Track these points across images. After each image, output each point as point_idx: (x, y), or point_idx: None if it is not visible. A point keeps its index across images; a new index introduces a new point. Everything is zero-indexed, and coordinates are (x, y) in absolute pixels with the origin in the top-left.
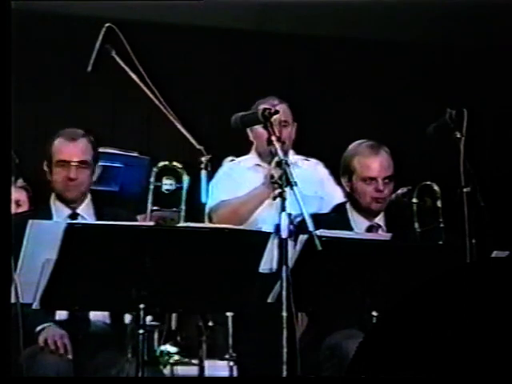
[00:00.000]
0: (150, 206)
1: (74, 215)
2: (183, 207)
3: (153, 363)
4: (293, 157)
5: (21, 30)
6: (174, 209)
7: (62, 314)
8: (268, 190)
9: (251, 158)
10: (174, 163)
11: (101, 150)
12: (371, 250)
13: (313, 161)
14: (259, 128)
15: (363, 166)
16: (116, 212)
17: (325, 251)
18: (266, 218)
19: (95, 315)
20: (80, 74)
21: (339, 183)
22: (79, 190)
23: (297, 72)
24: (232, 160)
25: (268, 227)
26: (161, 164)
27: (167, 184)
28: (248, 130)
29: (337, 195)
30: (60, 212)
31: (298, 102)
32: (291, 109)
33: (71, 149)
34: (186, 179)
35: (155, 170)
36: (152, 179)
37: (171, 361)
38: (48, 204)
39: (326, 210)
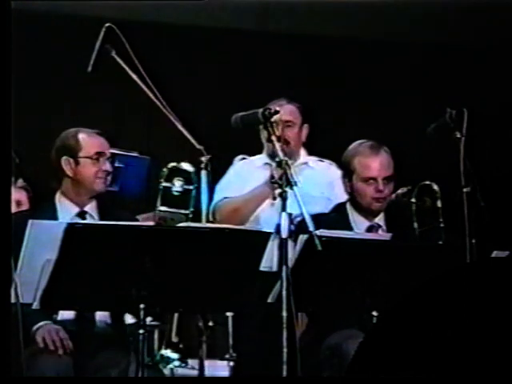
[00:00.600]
0: (158, 207)
1: (82, 213)
2: (191, 209)
3: (153, 367)
4: (304, 157)
5: (21, 30)
6: (182, 211)
7: (69, 314)
8: (269, 189)
9: (262, 158)
10: (184, 164)
11: None
12: (371, 250)
13: (326, 162)
14: None
15: (363, 166)
16: (119, 213)
17: (325, 251)
18: (268, 217)
19: (97, 315)
20: (80, 74)
21: None
22: (107, 184)
23: (297, 72)
24: (243, 158)
25: (270, 226)
26: (170, 165)
27: (177, 186)
28: (260, 132)
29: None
30: (66, 210)
31: (296, 101)
32: (302, 110)
33: (102, 142)
34: (195, 181)
35: (165, 170)
36: (162, 180)
37: (171, 366)
38: (53, 202)
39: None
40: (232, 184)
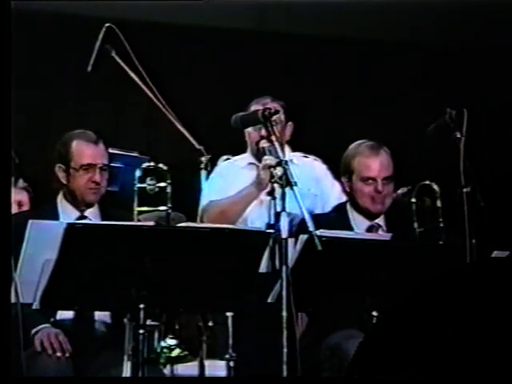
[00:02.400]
0: (136, 208)
1: (81, 218)
2: (169, 206)
3: (153, 360)
4: (289, 154)
5: (21, 30)
6: (161, 208)
7: (67, 313)
8: (256, 189)
9: (246, 157)
10: (160, 165)
11: None
12: (371, 250)
13: (311, 158)
14: (251, 129)
15: (363, 166)
16: (121, 214)
17: (325, 251)
18: (255, 216)
19: (97, 315)
20: (80, 74)
21: (338, 178)
22: (100, 193)
23: (297, 72)
24: (227, 159)
25: (258, 226)
26: (144, 165)
27: (150, 184)
28: (245, 131)
29: (335, 191)
30: (67, 213)
31: (296, 101)
32: (286, 108)
33: (95, 152)
34: (169, 179)
35: (138, 171)
36: (136, 181)
37: (172, 354)
38: (55, 203)
39: (320, 207)
40: (217, 186)
